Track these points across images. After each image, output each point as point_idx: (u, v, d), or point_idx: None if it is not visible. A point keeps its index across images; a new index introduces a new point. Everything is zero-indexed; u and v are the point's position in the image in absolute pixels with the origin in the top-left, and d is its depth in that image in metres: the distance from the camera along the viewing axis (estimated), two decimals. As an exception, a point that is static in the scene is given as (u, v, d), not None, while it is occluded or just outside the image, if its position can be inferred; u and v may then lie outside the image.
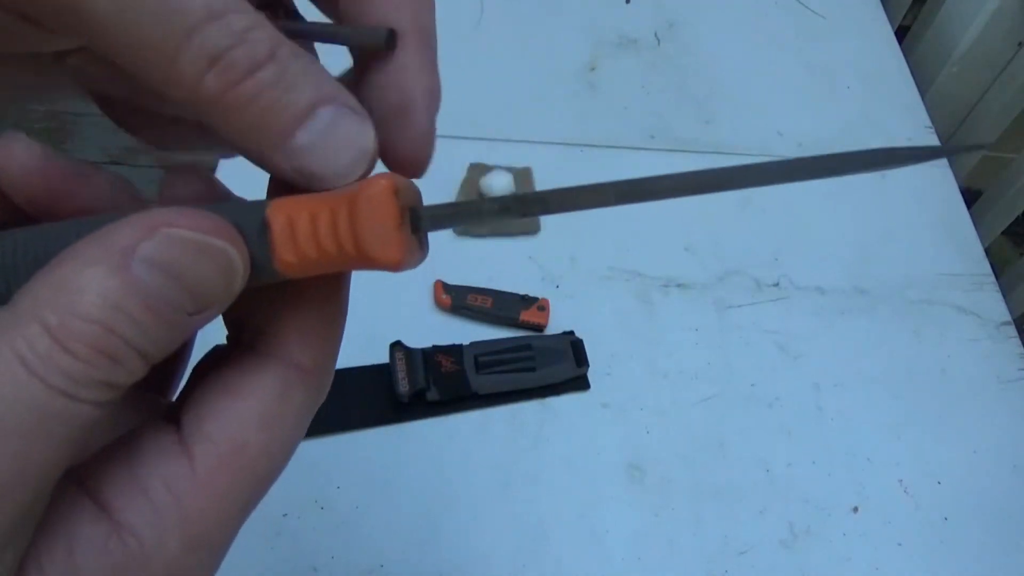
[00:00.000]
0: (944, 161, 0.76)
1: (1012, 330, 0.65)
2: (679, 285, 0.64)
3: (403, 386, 0.54)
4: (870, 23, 0.87)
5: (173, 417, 0.17)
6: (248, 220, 0.17)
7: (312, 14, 0.21)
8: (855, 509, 0.55)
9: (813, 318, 0.64)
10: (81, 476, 0.16)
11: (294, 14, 0.21)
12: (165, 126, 0.21)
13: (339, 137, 0.17)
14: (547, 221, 0.66)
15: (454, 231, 0.64)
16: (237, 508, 0.17)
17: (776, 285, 0.65)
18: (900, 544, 0.54)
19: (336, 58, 0.20)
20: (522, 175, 0.67)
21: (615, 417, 0.57)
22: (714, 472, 0.56)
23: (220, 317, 0.18)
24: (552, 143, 0.71)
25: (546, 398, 0.57)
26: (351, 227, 0.16)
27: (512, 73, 0.76)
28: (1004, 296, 0.67)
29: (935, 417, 0.60)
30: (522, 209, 0.18)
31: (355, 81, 0.19)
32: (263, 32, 0.16)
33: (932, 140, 0.77)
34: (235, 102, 0.16)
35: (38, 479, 0.14)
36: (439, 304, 0.60)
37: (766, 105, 0.77)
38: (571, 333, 0.59)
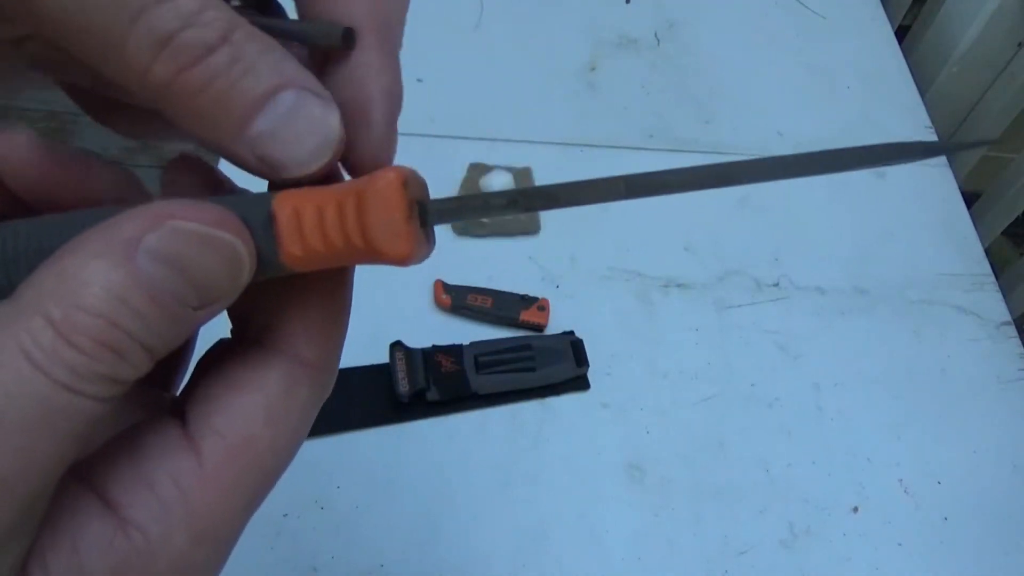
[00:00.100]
0: (944, 161, 0.76)
1: (1012, 330, 0.65)
2: (679, 285, 0.64)
3: (403, 386, 0.54)
4: (870, 23, 0.87)
5: (178, 412, 0.17)
6: (254, 212, 0.16)
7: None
8: (855, 509, 0.55)
9: (813, 318, 0.64)
10: (85, 471, 0.16)
11: (274, 8, 0.21)
12: (138, 116, 0.20)
13: (301, 123, 0.16)
14: (547, 221, 0.66)
15: (454, 231, 0.64)
16: (244, 503, 0.17)
17: (776, 285, 0.65)
18: (900, 544, 0.54)
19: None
20: (522, 175, 0.67)
21: (615, 417, 0.57)
22: (714, 472, 0.56)
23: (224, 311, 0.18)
24: (552, 143, 0.71)
25: (546, 398, 0.57)
26: (359, 220, 0.16)
27: (512, 73, 0.76)
28: (1004, 296, 0.67)
29: (935, 417, 0.60)
30: (529, 203, 0.18)
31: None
32: (216, 13, 0.15)
33: (932, 140, 0.77)
34: (187, 88, 0.15)
35: (41, 475, 0.14)
36: (439, 304, 0.60)
37: (766, 105, 0.77)
38: (571, 333, 0.59)
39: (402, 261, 0.17)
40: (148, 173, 1.40)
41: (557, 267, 0.64)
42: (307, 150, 0.16)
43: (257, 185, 0.18)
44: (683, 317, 0.63)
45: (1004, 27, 0.76)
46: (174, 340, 0.15)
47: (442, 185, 0.66)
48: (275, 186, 0.18)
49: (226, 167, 0.19)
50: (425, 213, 0.17)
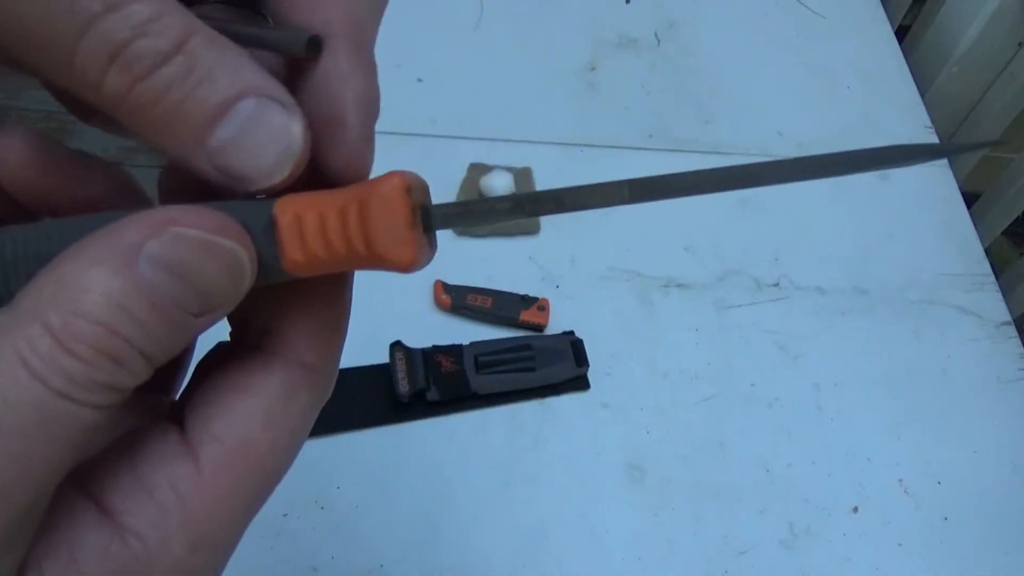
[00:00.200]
0: (944, 161, 0.76)
1: (1012, 330, 0.65)
2: (679, 285, 0.64)
3: (403, 386, 0.54)
4: (870, 23, 0.87)
5: (176, 416, 0.17)
6: (255, 218, 0.16)
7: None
8: (855, 509, 0.55)
9: (813, 318, 0.64)
10: (83, 478, 0.16)
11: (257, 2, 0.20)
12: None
13: (262, 132, 0.15)
14: (547, 221, 0.66)
15: (454, 231, 0.64)
16: (243, 507, 0.17)
17: (776, 285, 0.65)
18: (900, 544, 0.54)
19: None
20: (522, 175, 0.67)
21: (615, 417, 0.57)
22: (714, 472, 0.56)
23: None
24: (552, 143, 0.71)
25: (546, 398, 0.57)
26: (362, 226, 0.16)
27: (512, 73, 0.76)
28: (1004, 296, 0.67)
29: (935, 417, 0.60)
30: (534, 208, 0.17)
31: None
32: (171, 20, 0.14)
33: (932, 140, 0.77)
34: (142, 100, 0.15)
35: (38, 483, 0.14)
36: (439, 304, 0.60)
37: (766, 105, 0.77)
38: (571, 333, 0.59)
39: (406, 268, 0.16)
40: (148, 173, 1.40)
41: (557, 267, 0.64)
42: (268, 161, 0.16)
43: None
44: (683, 317, 0.62)
45: (1004, 27, 0.76)
46: (174, 347, 0.15)
47: (442, 185, 0.66)
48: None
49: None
50: (429, 218, 0.17)
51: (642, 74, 0.78)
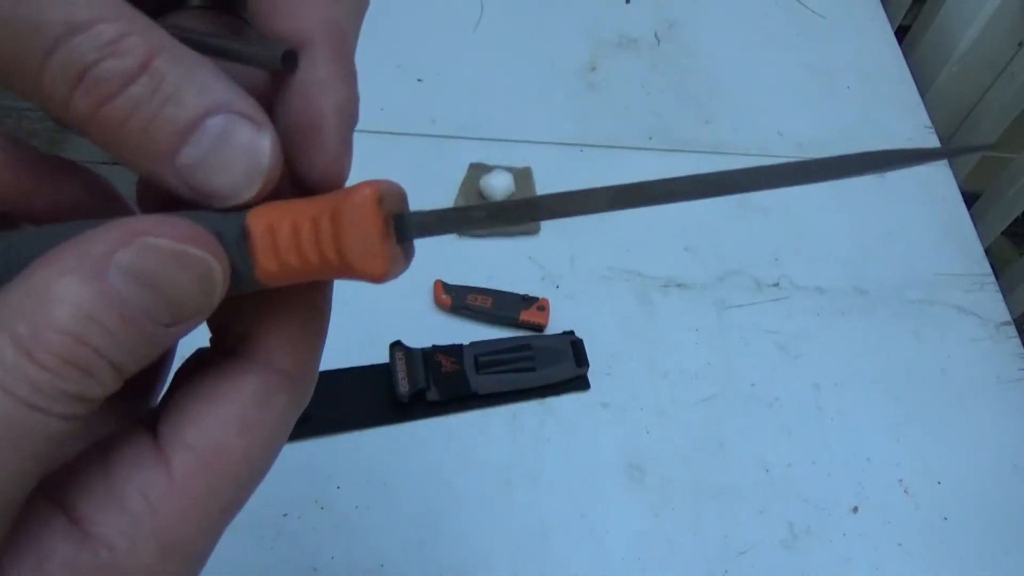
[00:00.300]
0: (944, 161, 0.76)
1: (1012, 330, 0.65)
2: (679, 285, 0.64)
3: (403, 386, 0.54)
4: (870, 23, 0.87)
5: (152, 423, 0.17)
6: (228, 228, 0.16)
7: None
8: (855, 509, 0.55)
9: (813, 318, 0.64)
10: (54, 486, 0.16)
11: (233, 2, 0.20)
12: None
13: (230, 149, 0.16)
14: (547, 222, 0.66)
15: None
16: (216, 514, 0.17)
17: (776, 285, 0.65)
18: (900, 544, 0.54)
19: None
20: (522, 175, 0.67)
21: (615, 417, 0.57)
22: (714, 472, 0.56)
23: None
24: (552, 143, 0.71)
25: (546, 398, 0.57)
26: (334, 237, 0.16)
27: (512, 73, 0.76)
28: (1004, 296, 0.67)
29: (935, 417, 0.60)
30: (510, 216, 0.17)
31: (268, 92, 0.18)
32: (136, 40, 0.14)
33: (932, 140, 0.77)
34: (108, 120, 0.15)
35: (4, 495, 0.14)
36: (439, 304, 0.60)
37: (766, 105, 0.77)
38: (571, 333, 0.59)
39: (377, 279, 0.16)
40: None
41: (557, 267, 0.64)
42: (237, 178, 0.16)
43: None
44: (683, 317, 0.63)
45: (1004, 27, 0.76)
46: (146, 357, 0.15)
47: (442, 185, 0.66)
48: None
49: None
50: (403, 228, 0.17)
51: (642, 74, 0.78)
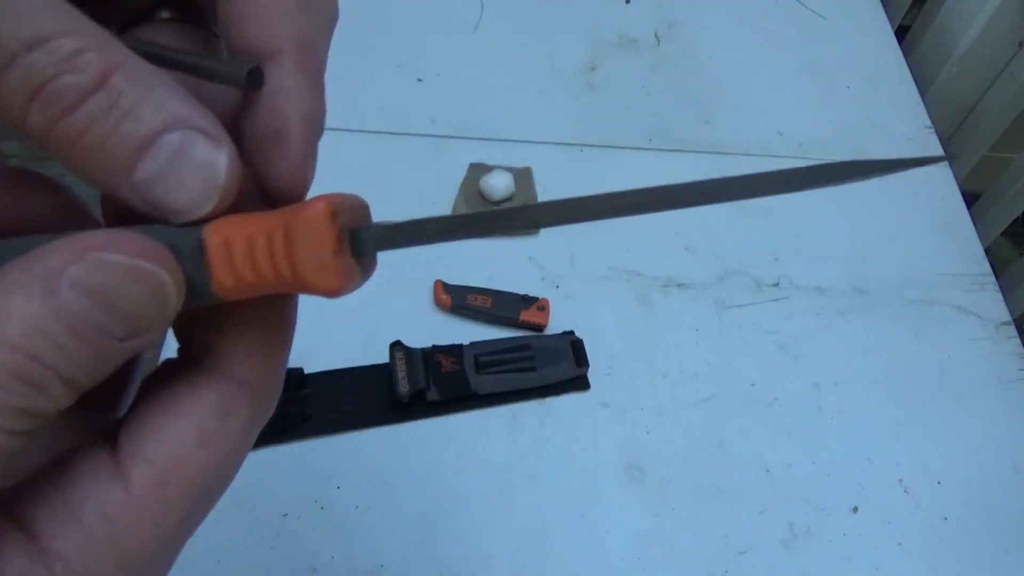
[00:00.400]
0: (944, 161, 0.76)
1: (1012, 330, 0.65)
2: (679, 285, 0.64)
3: (403, 386, 0.54)
4: (870, 23, 0.87)
5: (113, 436, 0.17)
6: (185, 241, 0.16)
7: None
8: (855, 509, 0.55)
9: (813, 318, 0.64)
10: (10, 501, 0.16)
11: (202, 16, 0.20)
12: None
13: (185, 166, 0.16)
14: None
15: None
16: (175, 527, 0.17)
17: (776, 285, 0.65)
18: (900, 544, 0.54)
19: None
20: (522, 175, 0.67)
21: (615, 417, 0.57)
22: (714, 472, 0.56)
23: (173, 331, 0.18)
24: (552, 143, 0.71)
25: (546, 398, 0.57)
26: (288, 252, 0.16)
27: (512, 73, 0.76)
28: (1004, 296, 0.67)
29: (935, 417, 0.60)
30: (465, 231, 0.17)
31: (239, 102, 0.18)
32: (94, 56, 0.14)
33: (932, 140, 0.77)
34: (65, 135, 0.15)
35: None
36: (439, 304, 0.60)
37: (766, 105, 0.77)
38: (571, 333, 0.59)
39: (331, 294, 0.16)
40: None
41: (557, 267, 0.64)
42: (193, 194, 0.16)
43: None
44: (683, 317, 0.63)
45: (1004, 27, 0.76)
46: (100, 372, 0.15)
47: (442, 185, 0.66)
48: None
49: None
50: (358, 243, 0.17)
51: (642, 74, 0.78)
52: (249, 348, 0.18)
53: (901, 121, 0.78)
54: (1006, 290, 0.68)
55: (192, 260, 0.16)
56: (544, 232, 0.65)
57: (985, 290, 0.67)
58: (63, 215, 0.19)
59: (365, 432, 0.54)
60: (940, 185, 0.74)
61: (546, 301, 0.60)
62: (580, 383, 0.58)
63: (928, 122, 0.79)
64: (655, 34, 0.82)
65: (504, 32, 0.79)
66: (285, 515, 0.51)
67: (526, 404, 0.57)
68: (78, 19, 0.15)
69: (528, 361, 0.57)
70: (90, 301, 0.14)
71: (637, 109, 0.75)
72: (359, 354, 0.56)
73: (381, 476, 0.53)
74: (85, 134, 0.15)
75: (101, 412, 0.20)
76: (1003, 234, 0.76)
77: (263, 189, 0.18)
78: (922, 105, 0.80)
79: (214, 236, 0.16)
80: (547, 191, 0.67)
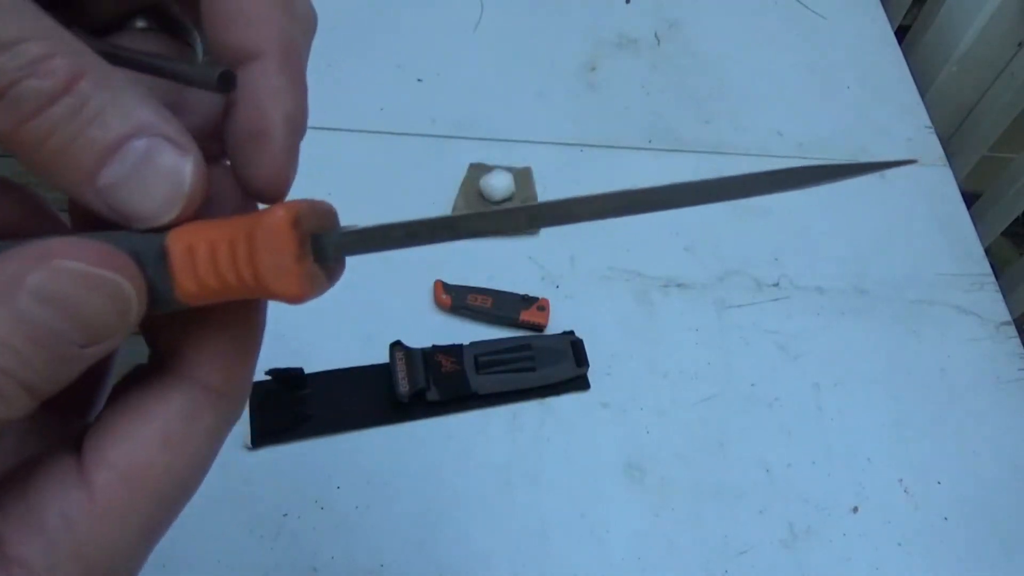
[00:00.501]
0: (944, 161, 0.76)
1: (1012, 330, 0.65)
2: (679, 285, 0.64)
3: (403, 386, 0.54)
4: (870, 23, 0.87)
5: (81, 440, 0.17)
6: (148, 247, 0.16)
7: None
8: (855, 509, 0.55)
9: (813, 318, 0.64)
10: None
11: (183, 29, 0.20)
12: None
13: (151, 172, 0.16)
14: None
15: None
16: (139, 533, 0.17)
17: (776, 285, 0.65)
18: (900, 544, 0.54)
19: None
20: (522, 175, 0.67)
21: (615, 417, 0.57)
22: (714, 472, 0.56)
23: (143, 336, 0.17)
24: (552, 143, 0.71)
25: (546, 398, 0.57)
26: (249, 258, 0.16)
27: (512, 73, 0.76)
28: (1004, 296, 0.67)
29: (935, 417, 0.60)
30: (428, 236, 0.17)
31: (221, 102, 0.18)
32: (61, 61, 0.15)
33: (932, 140, 0.77)
34: (29, 139, 0.15)
35: None
36: (439, 304, 0.60)
37: (766, 105, 0.77)
38: (571, 333, 0.59)
39: (294, 300, 0.16)
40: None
41: (557, 267, 0.64)
42: (157, 201, 0.16)
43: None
44: (683, 317, 0.63)
45: (1004, 27, 0.76)
46: (61, 378, 0.15)
47: (442, 185, 0.66)
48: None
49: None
50: (322, 249, 0.17)
51: (642, 74, 0.78)
52: (216, 352, 0.18)
53: (901, 121, 0.78)
54: (1006, 290, 0.68)
55: (155, 266, 0.16)
56: (544, 232, 0.65)
57: (985, 290, 0.67)
58: (31, 221, 0.19)
59: (365, 432, 0.54)
60: (940, 185, 0.74)
61: (546, 301, 0.60)
62: (580, 383, 0.58)
63: (928, 122, 0.79)
64: (655, 34, 0.82)
65: (504, 32, 0.79)
66: (285, 515, 0.51)
67: (526, 404, 0.57)
68: (47, 24, 0.15)
69: (528, 361, 0.57)
70: (49, 308, 0.14)
71: (637, 109, 0.75)
72: (359, 354, 0.56)
73: (381, 476, 0.53)
74: (50, 137, 0.15)
75: (72, 417, 0.20)
76: (1003, 234, 0.76)
77: (245, 189, 0.18)
78: (922, 105, 0.80)
79: (177, 242, 0.16)
80: (547, 191, 0.67)
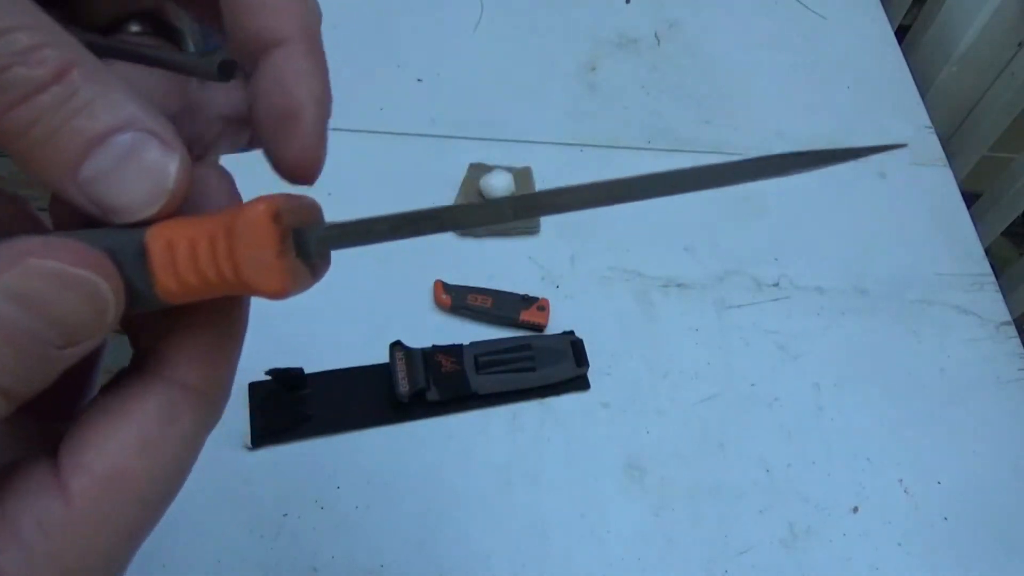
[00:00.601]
0: (944, 161, 0.76)
1: (1012, 330, 0.65)
2: (679, 285, 0.64)
3: (403, 386, 0.54)
4: (870, 23, 0.87)
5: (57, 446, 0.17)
6: (127, 245, 0.16)
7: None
8: (855, 509, 0.55)
9: (813, 318, 0.64)
10: None
11: (176, 34, 0.20)
12: None
13: (135, 166, 0.16)
14: (547, 221, 0.66)
15: (454, 232, 0.64)
16: (118, 539, 0.16)
17: (776, 285, 0.65)
18: (900, 544, 0.54)
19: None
20: (522, 175, 0.67)
21: (615, 417, 0.57)
22: (714, 472, 0.56)
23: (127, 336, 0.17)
24: (552, 143, 0.71)
25: (546, 398, 0.57)
26: (229, 254, 0.16)
27: (512, 73, 0.76)
28: (1004, 296, 0.67)
29: (935, 417, 0.60)
30: (412, 228, 0.17)
31: (244, 85, 0.18)
32: (52, 51, 0.14)
33: (932, 140, 0.77)
34: (14, 126, 0.15)
35: None
36: (439, 304, 0.60)
37: (766, 105, 0.77)
38: (571, 333, 0.59)
39: (275, 296, 0.16)
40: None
41: (557, 267, 0.64)
42: (139, 196, 0.16)
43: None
44: (683, 317, 0.63)
45: (1004, 27, 0.76)
46: (39, 381, 0.15)
47: (442, 185, 0.66)
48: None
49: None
50: (304, 244, 0.17)
51: (642, 74, 0.78)
52: (196, 352, 0.18)
53: (901, 121, 0.78)
54: (1006, 290, 0.68)
55: (134, 264, 0.16)
56: (544, 232, 0.65)
57: (985, 290, 0.67)
58: (13, 222, 0.19)
59: (365, 432, 0.54)
60: (940, 185, 0.74)
61: (546, 301, 0.60)
62: (580, 383, 0.58)
63: (928, 122, 0.79)
64: (655, 34, 0.82)
65: (504, 32, 0.79)
66: (285, 515, 0.51)
67: (526, 404, 0.57)
68: (40, 17, 0.15)
69: (528, 361, 0.57)
70: (22, 308, 0.14)
71: (637, 109, 0.75)
72: (359, 354, 0.56)
73: (381, 476, 0.53)
74: (35, 125, 0.15)
75: (56, 422, 0.20)
76: (1003, 234, 0.76)
77: (279, 172, 0.18)
78: (922, 105, 0.80)
79: (157, 239, 0.16)
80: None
